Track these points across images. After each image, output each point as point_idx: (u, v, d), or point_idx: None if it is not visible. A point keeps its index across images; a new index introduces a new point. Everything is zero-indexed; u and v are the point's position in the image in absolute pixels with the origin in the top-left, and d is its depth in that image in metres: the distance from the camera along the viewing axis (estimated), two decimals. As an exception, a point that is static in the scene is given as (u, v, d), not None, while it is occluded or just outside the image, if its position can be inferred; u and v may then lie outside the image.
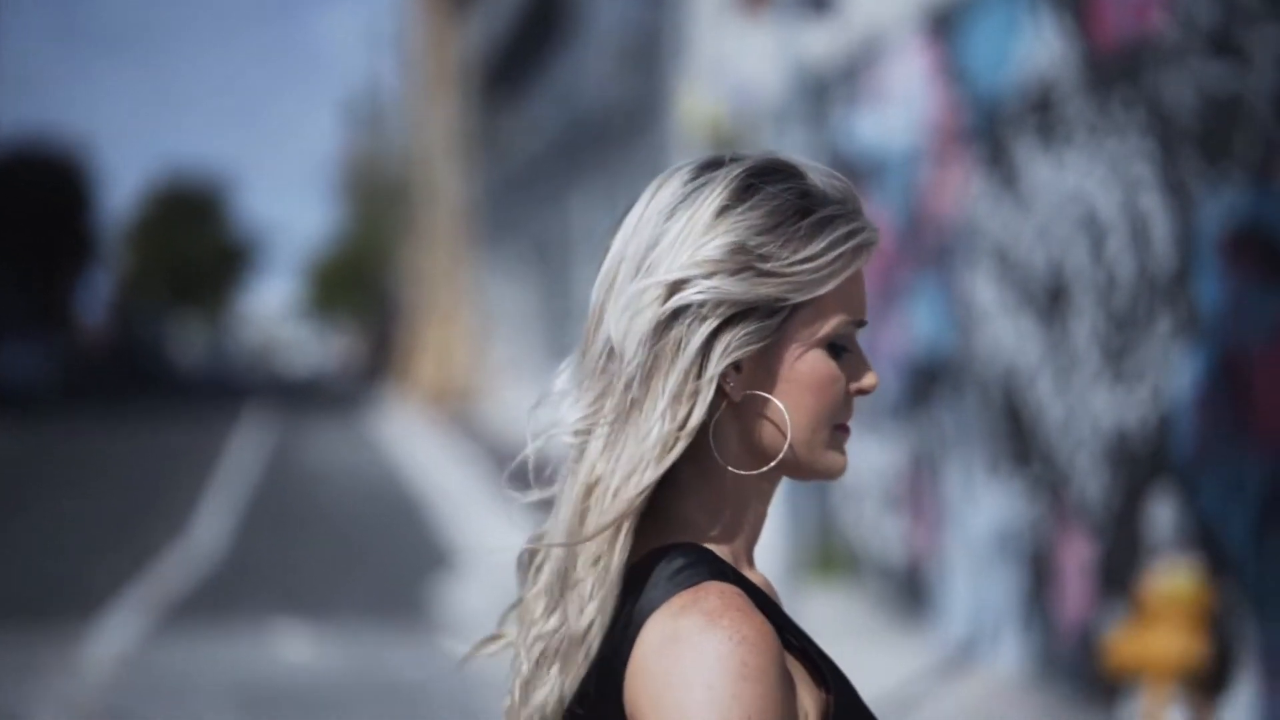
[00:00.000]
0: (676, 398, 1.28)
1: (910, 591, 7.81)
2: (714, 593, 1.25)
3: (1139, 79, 5.56)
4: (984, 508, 6.91)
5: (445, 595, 9.42)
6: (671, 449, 1.28)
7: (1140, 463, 5.59)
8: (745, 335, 1.29)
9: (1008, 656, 6.62)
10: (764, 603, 1.29)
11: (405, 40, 33.08)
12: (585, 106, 17.82)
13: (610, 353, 1.31)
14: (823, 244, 1.30)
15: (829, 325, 1.31)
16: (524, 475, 1.40)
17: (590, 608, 1.29)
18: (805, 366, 1.31)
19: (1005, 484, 6.69)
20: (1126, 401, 5.70)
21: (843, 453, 1.35)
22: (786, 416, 1.31)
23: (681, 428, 1.28)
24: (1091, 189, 5.92)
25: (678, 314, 1.28)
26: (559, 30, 19.77)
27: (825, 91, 8.91)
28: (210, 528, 12.38)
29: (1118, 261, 5.74)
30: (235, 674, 7.34)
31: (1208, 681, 4.78)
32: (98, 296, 53.69)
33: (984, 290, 6.87)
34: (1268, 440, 4.79)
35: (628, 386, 1.29)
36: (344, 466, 17.90)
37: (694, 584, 1.26)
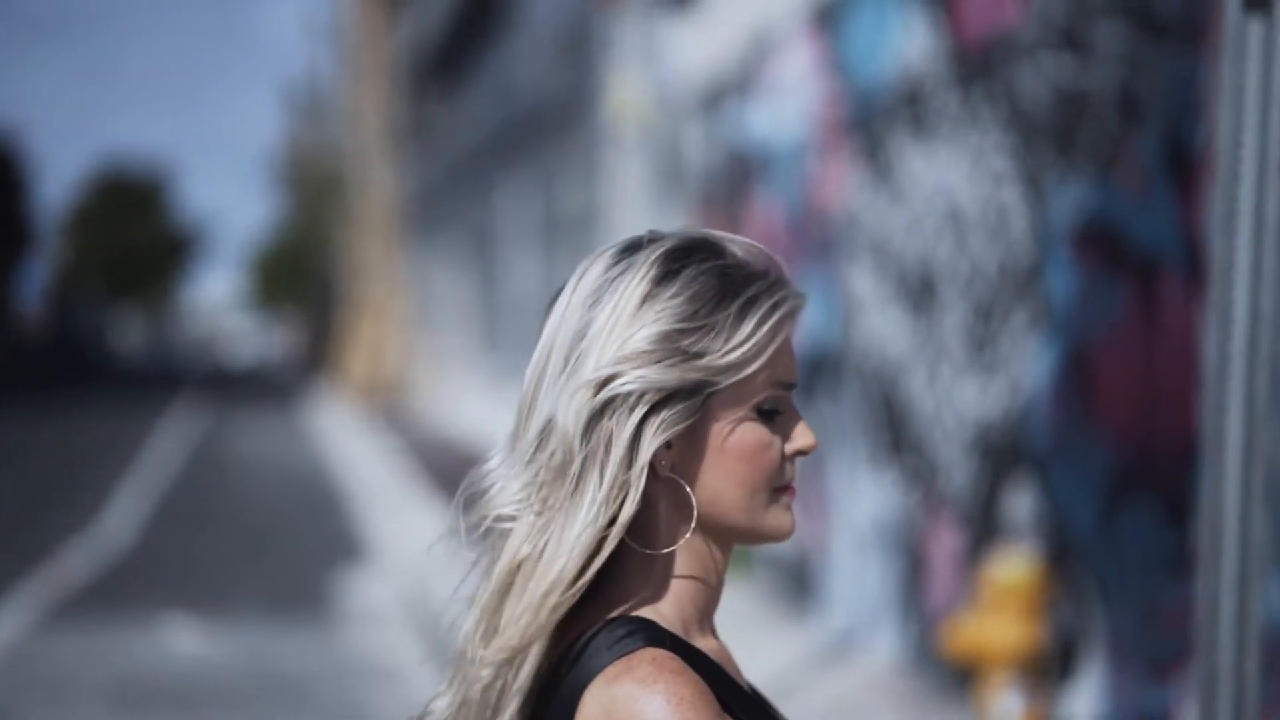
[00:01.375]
0: (610, 493, 1.29)
1: (799, 582, 7.87)
2: (647, 659, 1.26)
3: (998, 74, 5.63)
4: (864, 499, 6.98)
5: (349, 588, 9.42)
6: (600, 550, 1.29)
7: (1001, 453, 5.67)
8: (673, 415, 1.29)
9: (885, 645, 6.69)
10: (711, 669, 1.30)
11: (340, 31, 32.91)
12: (520, 99, 17.81)
13: (541, 443, 1.31)
14: (749, 326, 1.30)
15: (757, 394, 1.32)
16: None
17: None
18: (735, 438, 1.32)
19: (883, 475, 6.76)
20: (988, 393, 5.77)
21: (788, 512, 1.35)
22: (692, 495, 1.32)
23: (612, 523, 1.29)
24: (956, 182, 5.99)
25: (607, 405, 1.29)
26: (495, 22, 19.73)
27: (720, 86, 8.96)
28: (119, 519, 12.31)
29: (980, 254, 5.81)
30: (120, 668, 7.31)
31: (1046, 668, 4.86)
32: (35, 286, 53.17)
33: (862, 283, 6.93)
34: (1112, 429, 4.87)
35: (557, 480, 1.30)
36: (268, 458, 17.83)
37: (629, 652, 1.27)
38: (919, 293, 6.36)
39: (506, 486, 1.33)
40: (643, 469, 1.29)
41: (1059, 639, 5.05)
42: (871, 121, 6.78)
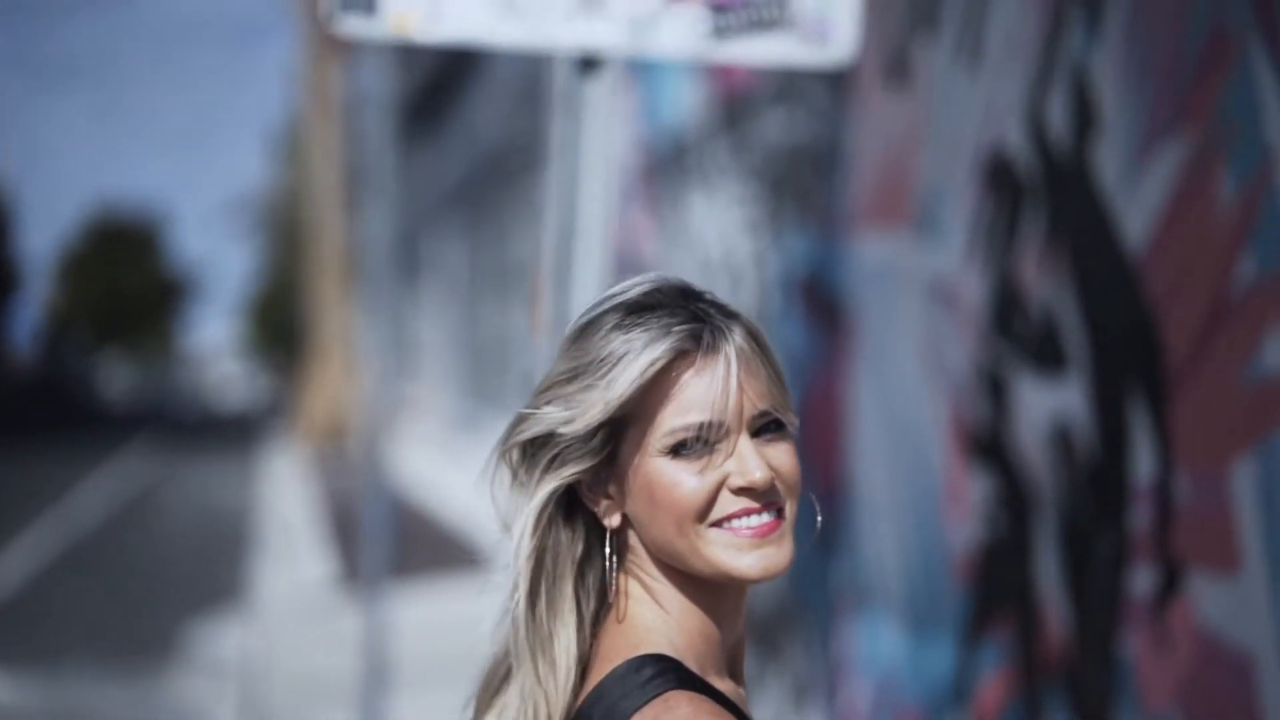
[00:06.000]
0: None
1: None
2: (684, 701, 1.30)
3: (747, 126, 5.67)
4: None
5: (204, 637, 9.39)
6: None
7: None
8: (557, 457, 1.38)
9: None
10: (733, 711, 1.34)
11: (303, 78, 33.15)
12: (486, 145, 17.92)
13: None
14: (604, 384, 1.36)
15: (659, 434, 1.36)
16: None
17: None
18: (641, 478, 1.37)
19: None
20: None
21: (744, 551, 1.37)
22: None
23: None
24: (712, 231, 6.03)
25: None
26: (467, 70, 19.87)
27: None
28: (6, 567, 12.28)
29: (734, 302, 5.84)
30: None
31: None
32: (24, 329, 53.36)
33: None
34: (821, 475, 4.89)
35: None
36: (194, 503, 17.81)
37: (662, 692, 1.31)
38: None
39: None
40: (540, 512, 1.38)
41: (793, 675, 5.04)
42: (658, 170, 6.82)
